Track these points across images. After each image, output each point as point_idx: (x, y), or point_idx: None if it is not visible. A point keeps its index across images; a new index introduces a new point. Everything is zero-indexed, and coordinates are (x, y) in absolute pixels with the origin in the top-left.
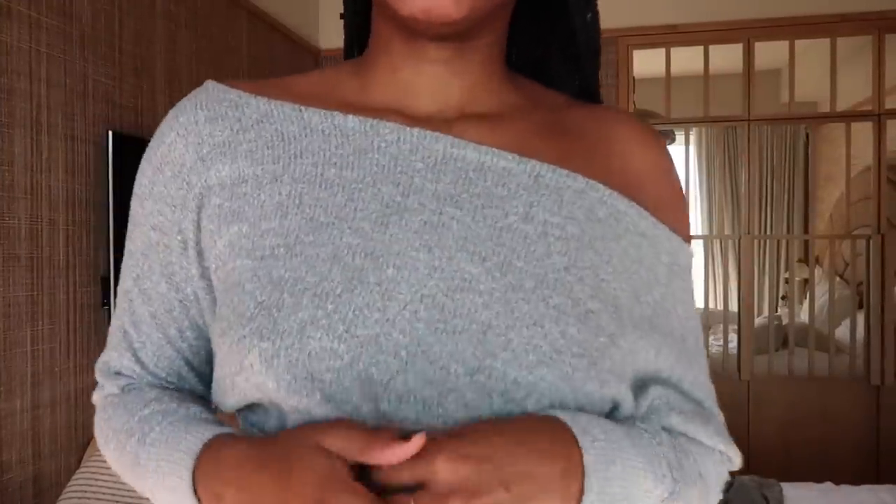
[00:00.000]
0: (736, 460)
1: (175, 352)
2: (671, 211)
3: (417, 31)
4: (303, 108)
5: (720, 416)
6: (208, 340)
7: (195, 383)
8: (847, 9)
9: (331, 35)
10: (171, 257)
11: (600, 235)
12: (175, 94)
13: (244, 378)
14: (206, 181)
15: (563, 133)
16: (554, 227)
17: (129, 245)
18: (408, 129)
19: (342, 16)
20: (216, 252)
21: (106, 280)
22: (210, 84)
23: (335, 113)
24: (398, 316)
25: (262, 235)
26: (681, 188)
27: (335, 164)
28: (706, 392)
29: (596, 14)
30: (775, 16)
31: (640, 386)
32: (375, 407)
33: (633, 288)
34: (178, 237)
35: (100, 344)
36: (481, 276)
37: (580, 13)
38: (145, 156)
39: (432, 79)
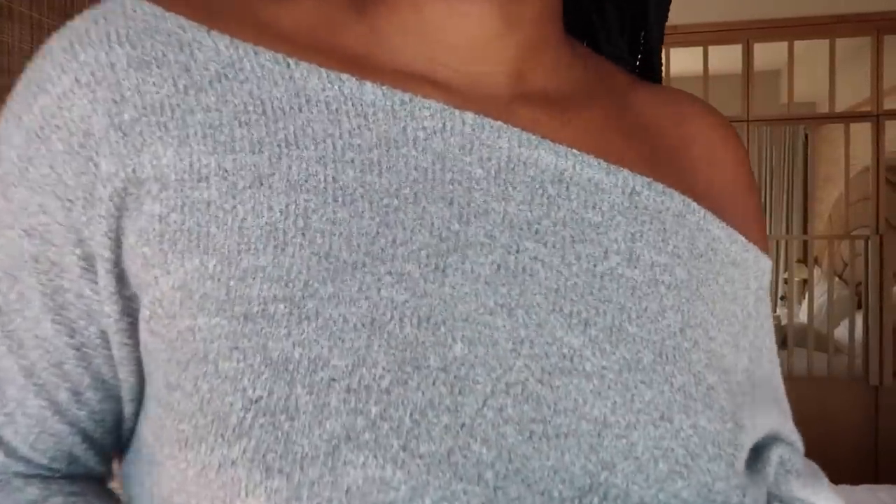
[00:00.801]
0: None
1: (66, 425)
2: (756, 222)
3: None
4: (291, 60)
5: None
6: (118, 400)
7: (94, 464)
8: (846, 10)
9: None
10: (62, 281)
11: (704, 277)
12: None
13: None
14: (132, 169)
15: (640, 128)
16: (663, 272)
17: None
18: (457, 112)
19: None
20: (157, 294)
21: None
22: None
23: (344, 76)
24: (477, 418)
25: (244, 279)
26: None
27: (352, 161)
28: (794, 430)
29: None
30: (774, 17)
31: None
32: None
33: (733, 338)
34: (76, 250)
35: None
36: (585, 349)
37: None
38: (7, 113)
39: (476, 24)
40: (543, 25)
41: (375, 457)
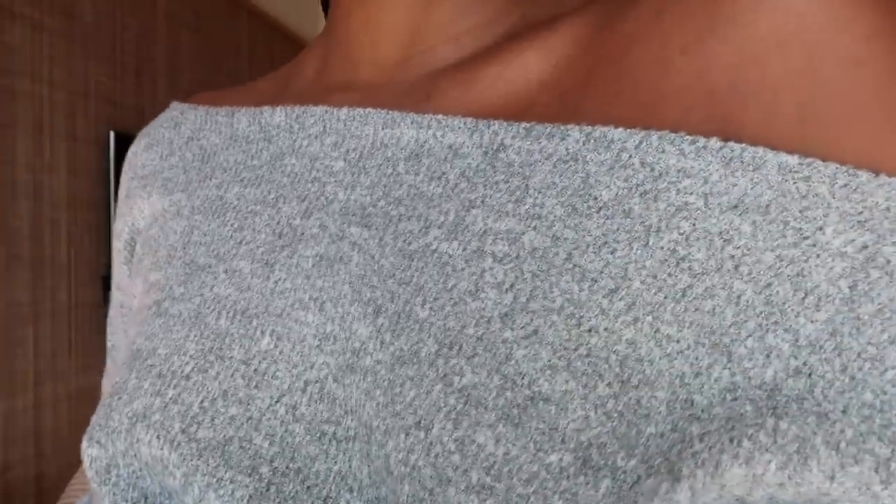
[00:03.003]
0: None
1: None
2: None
3: None
4: (236, 110)
5: None
6: None
7: None
8: None
9: None
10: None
11: (600, 237)
12: (176, 94)
13: (95, 485)
14: (132, 224)
15: (612, 45)
16: (497, 241)
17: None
18: (335, 111)
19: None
20: (132, 319)
21: (107, 280)
22: (173, 103)
23: (264, 109)
24: (267, 413)
25: (149, 291)
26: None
27: (241, 180)
28: None
29: None
30: None
31: None
32: None
33: (708, 336)
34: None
35: (101, 343)
36: (370, 341)
37: None
38: None
39: (391, 10)
40: None
41: (158, 437)
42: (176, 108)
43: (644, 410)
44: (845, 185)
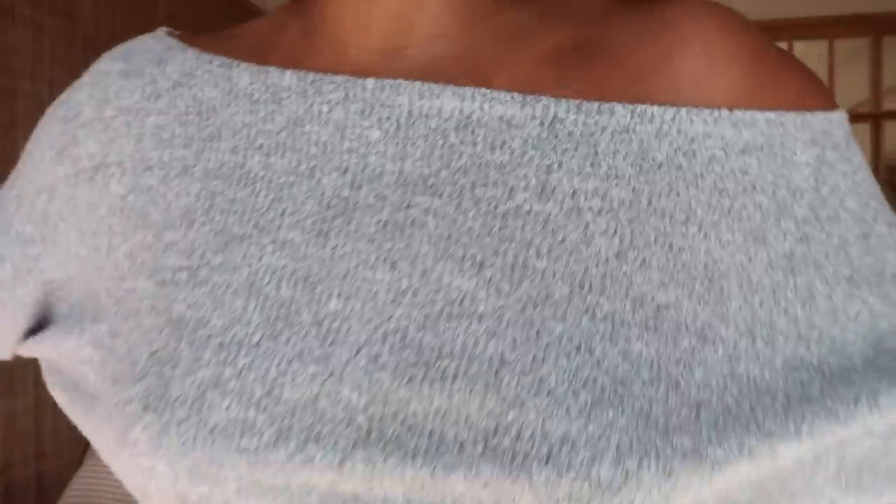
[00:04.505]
0: None
1: None
2: (771, 80)
3: None
4: (234, 63)
5: None
6: None
7: None
8: (845, 11)
9: None
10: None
11: (665, 187)
12: None
13: (127, 456)
14: (102, 152)
15: (597, 54)
16: (591, 198)
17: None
18: (359, 81)
19: None
20: (113, 260)
21: None
22: (159, 31)
23: (269, 69)
24: (348, 366)
25: (165, 251)
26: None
27: (260, 147)
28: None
29: None
30: (774, 17)
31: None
32: (332, 491)
33: (749, 230)
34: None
35: None
36: (479, 291)
37: None
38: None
39: (388, 6)
40: None
41: (239, 402)
42: (161, 41)
43: (726, 294)
44: (802, 123)
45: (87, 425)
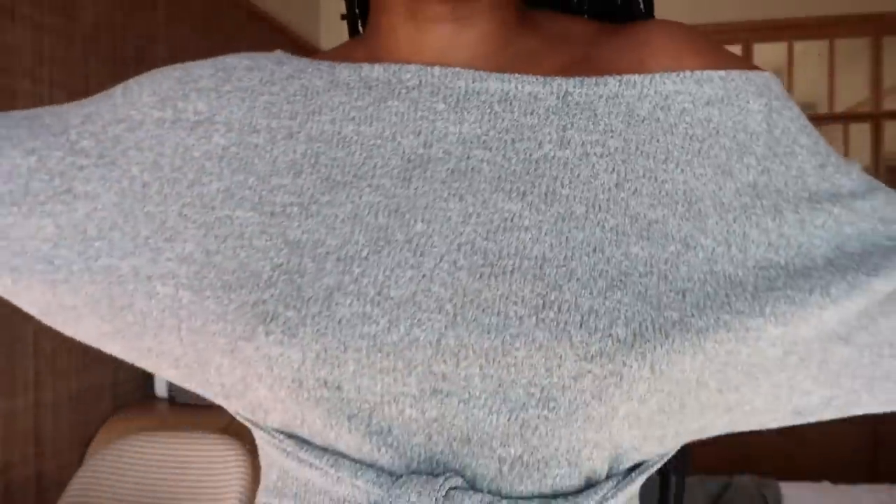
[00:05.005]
0: None
1: None
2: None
3: None
4: (336, 64)
5: None
6: None
7: None
8: (845, 10)
9: (331, 35)
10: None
11: (648, 135)
12: None
13: (254, 348)
14: (211, 112)
15: (592, 68)
16: (593, 146)
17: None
18: (429, 68)
19: (343, 17)
20: (198, 192)
21: None
22: (278, 52)
23: (363, 65)
24: (436, 270)
25: (272, 191)
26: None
27: (353, 118)
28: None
29: None
30: (774, 17)
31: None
32: (428, 370)
33: (718, 166)
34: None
35: None
36: (524, 211)
37: None
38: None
39: (436, 38)
40: (494, 16)
41: (358, 300)
42: (280, 54)
43: (703, 213)
44: (746, 78)
45: (178, 332)
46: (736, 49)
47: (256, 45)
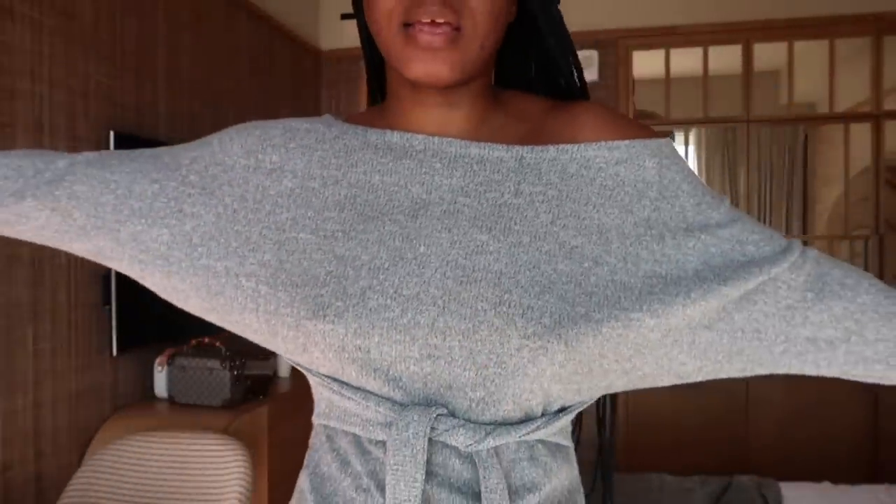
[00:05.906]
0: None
1: None
2: (616, 131)
3: (420, 87)
4: (368, 128)
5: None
6: None
7: None
8: (845, 10)
9: (331, 36)
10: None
11: (575, 186)
12: (176, 93)
13: (314, 324)
14: (282, 163)
15: (541, 138)
16: (537, 195)
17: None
18: (431, 137)
19: (343, 16)
20: (274, 219)
21: (107, 280)
22: (327, 116)
23: (386, 130)
24: (432, 278)
25: (325, 221)
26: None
27: (379, 171)
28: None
29: (557, 18)
30: (774, 17)
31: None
32: (425, 342)
33: (622, 206)
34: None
35: (101, 343)
36: (490, 241)
37: (545, 22)
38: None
39: (435, 117)
40: (476, 101)
41: (382, 296)
42: (327, 119)
43: (609, 240)
44: (644, 145)
45: (256, 313)
46: (736, 49)
47: (256, 45)
